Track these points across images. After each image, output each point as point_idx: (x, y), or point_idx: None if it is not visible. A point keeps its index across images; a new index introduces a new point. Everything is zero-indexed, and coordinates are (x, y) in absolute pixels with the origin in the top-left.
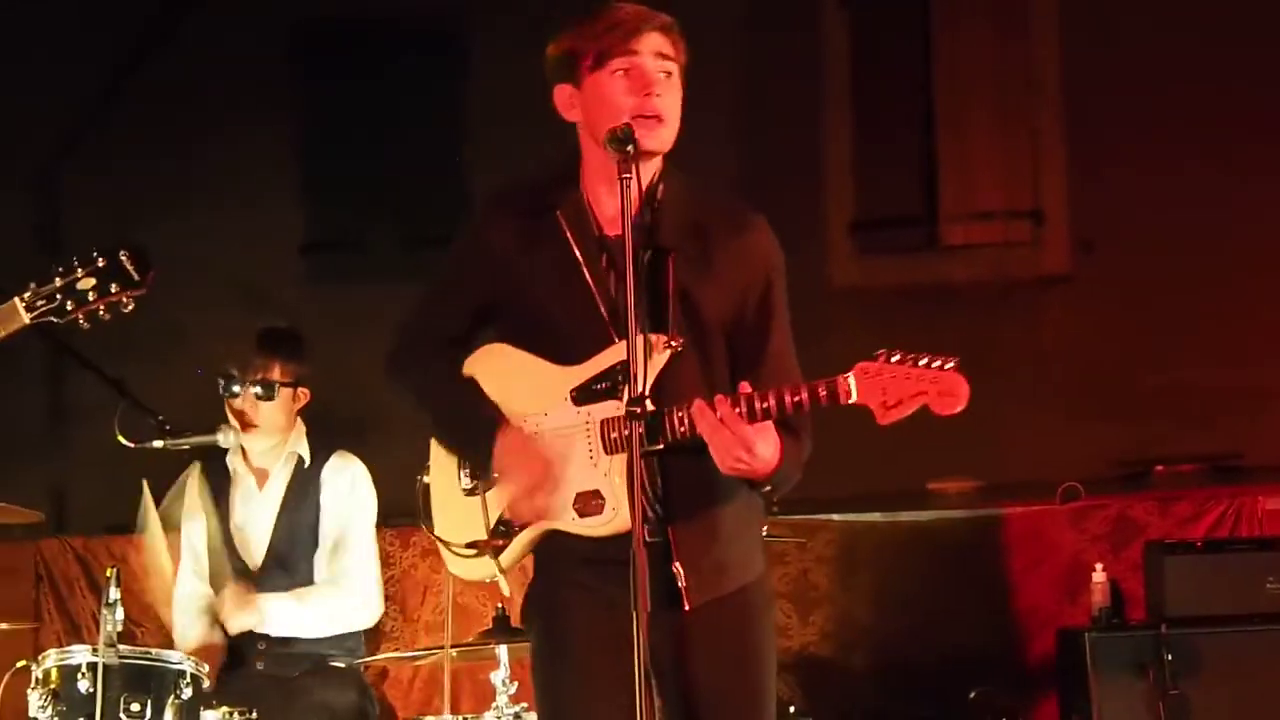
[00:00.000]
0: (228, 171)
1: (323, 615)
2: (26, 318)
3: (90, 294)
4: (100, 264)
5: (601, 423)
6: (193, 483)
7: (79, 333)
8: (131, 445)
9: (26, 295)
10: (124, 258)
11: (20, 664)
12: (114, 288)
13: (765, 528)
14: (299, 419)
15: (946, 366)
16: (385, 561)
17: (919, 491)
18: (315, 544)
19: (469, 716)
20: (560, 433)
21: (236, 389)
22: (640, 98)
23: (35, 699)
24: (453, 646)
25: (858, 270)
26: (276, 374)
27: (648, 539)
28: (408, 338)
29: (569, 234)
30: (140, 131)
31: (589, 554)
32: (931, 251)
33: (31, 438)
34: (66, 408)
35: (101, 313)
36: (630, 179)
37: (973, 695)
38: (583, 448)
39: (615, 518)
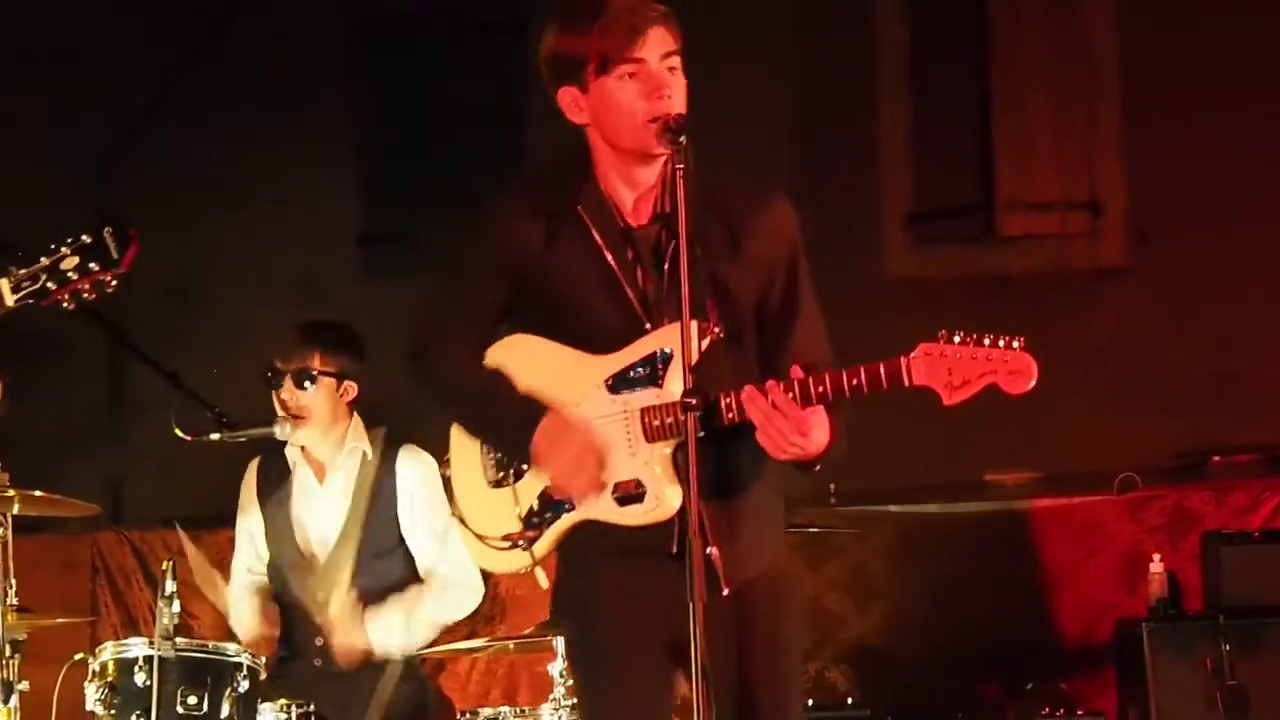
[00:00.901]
0: (284, 165)
1: (428, 621)
2: (11, 300)
3: (71, 274)
4: (85, 242)
5: (641, 411)
6: (249, 477)
7: (138, 326)
8: (188, 439)
9: (11, 278)
10: (106, 235)
11: (77, 657)
12: (94, 267)
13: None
14: (356, 414)
15: (1014, 345)
16: None
17: (977, 482)
18: (396, 538)
19: (526, 708)
20: (596, 422)
21: (279, 380)
22: (653, 101)
23: (92, 692)
24: (510, 639)
25: (914, 261)
26: (316, 363)
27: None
28: (426, 336)
29: (592, 227)
30: (196, 126)
31: (620, 544)
32: (988, 242)
33: (89, 431)
34: (124, 401)
35: (85, 292)
36: (682, 169)
37: (1030, 686)
38: (620, 436)
39: (658, 506)
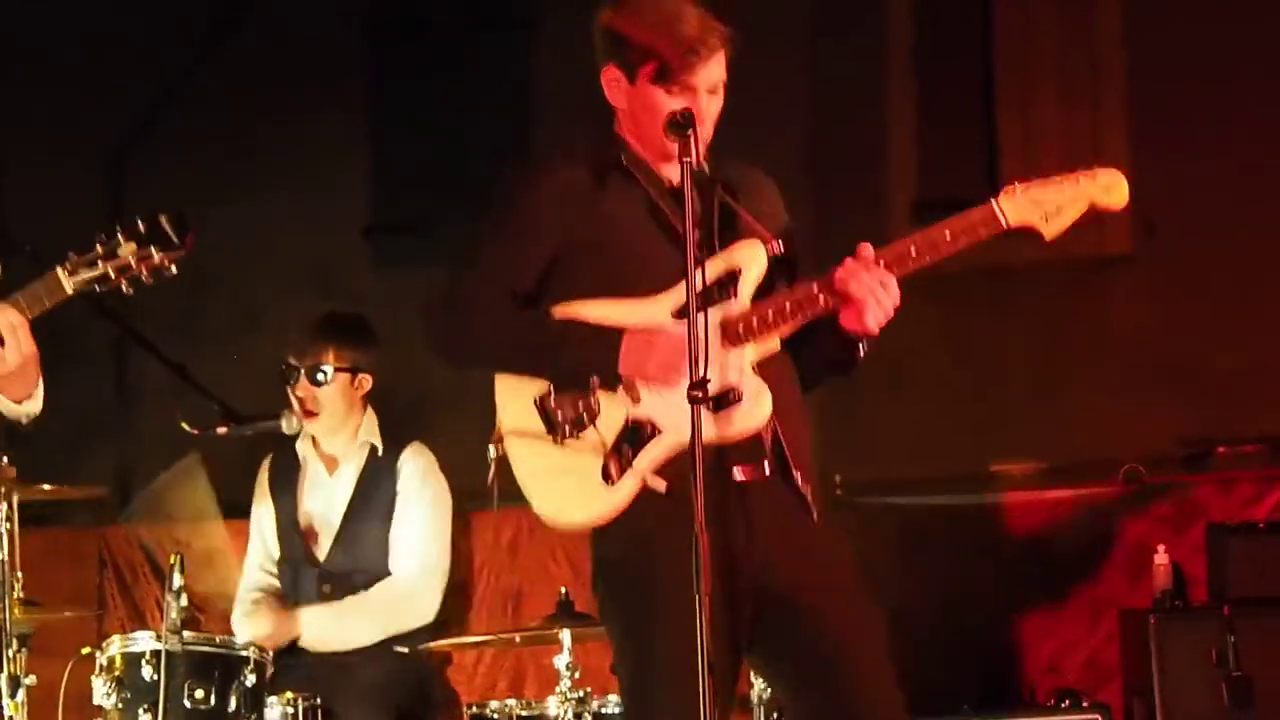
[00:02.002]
0: (295, 155)
1: (363, 624)
2: (69, 286)
3: (131, 258)
4: (141, 229)
5: (721, 322)
6: (262, 473)
7: (147, 316)
8: (195, 432)
9: (68, 264)
10: (164, 221)
11: (85, 651)
12: (154, 250)
13: None
14: (368, 407)
15: (1096, 167)
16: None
17: (982, 474)
18: (384, 533)
19: (533, 701)
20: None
21: (294, 376)
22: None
23: (99, 686)
24: (517, 631)
25: None
26: (331, 359)
27: (767, 471)
28: (466, 285)
29: (639, 177)
30: (208, 118)
31: (713, 465)
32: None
33: (96, 423)
34: (131, 393)
35: (144, 276)
36: (690, 161)
37: (1035, 678)
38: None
39: (755, 404)
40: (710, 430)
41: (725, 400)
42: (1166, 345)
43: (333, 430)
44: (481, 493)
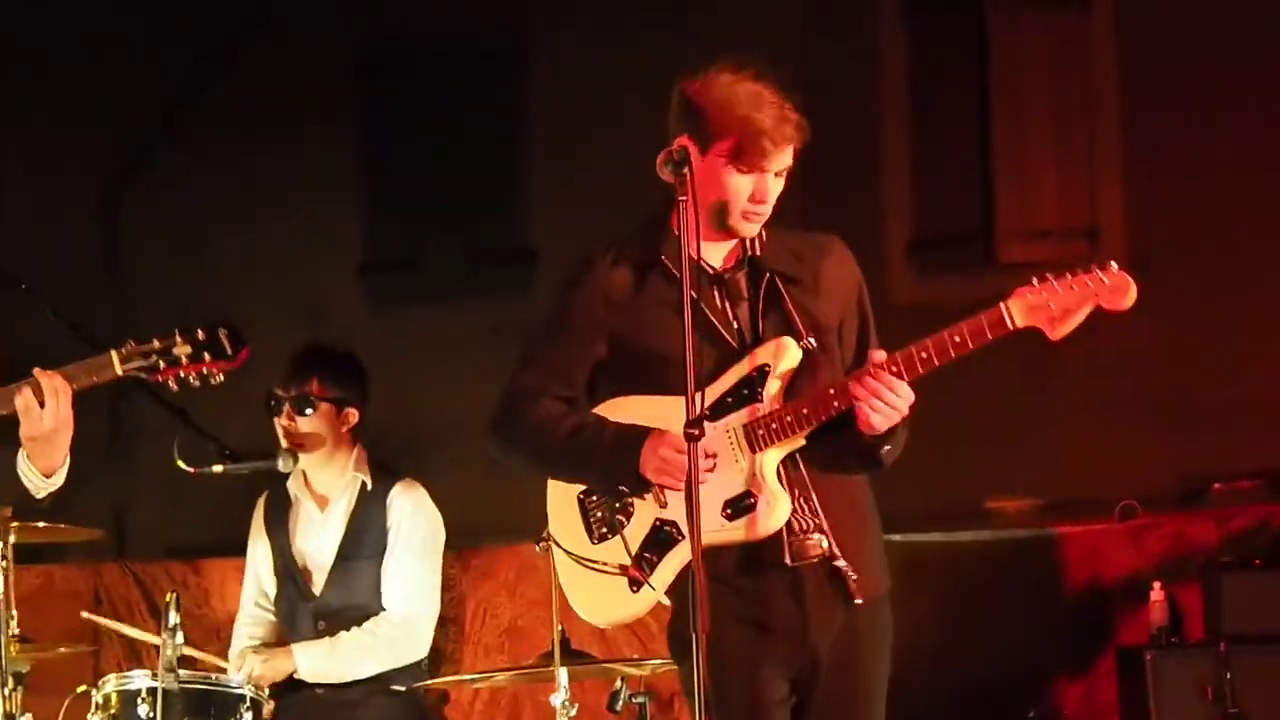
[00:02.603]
0: (288, 192)
1: (358, 659)
2: (119, 369)
3: (183, 358)
4: (199, 336)
5: (745, 425)
6: (257, 511)
7: None
8: (191, 471)
9: (124, 350)
10: (222, 334)
11: (80, 689)
12: (207, 356)
13: None
14: (358, 447)
15: (1109, 266)
16: (444, 584)
17: (978, 510)
18: (375, 569)
19: None
20: (705, 444)
21: (279, 406)
22: (755, 204)
23: None
24: (513, 669)
25: (915, 288)
26: (314, 388)
27: (818, 552)
28: (517, 396)
29: (678, 273)
30: (202, 152)
31: (735, 566)
32: (989, 269)
33: (92, 461)
34: (127, 432)
35: (191, 379)
36: (687, 201)
37: (1031, 714)
38: (726, 456)
39: (770, 511)
40: (729, 535)
41: (741, 505)
42: (1162, 380)
43: (321, 464)
44: (475, 529)
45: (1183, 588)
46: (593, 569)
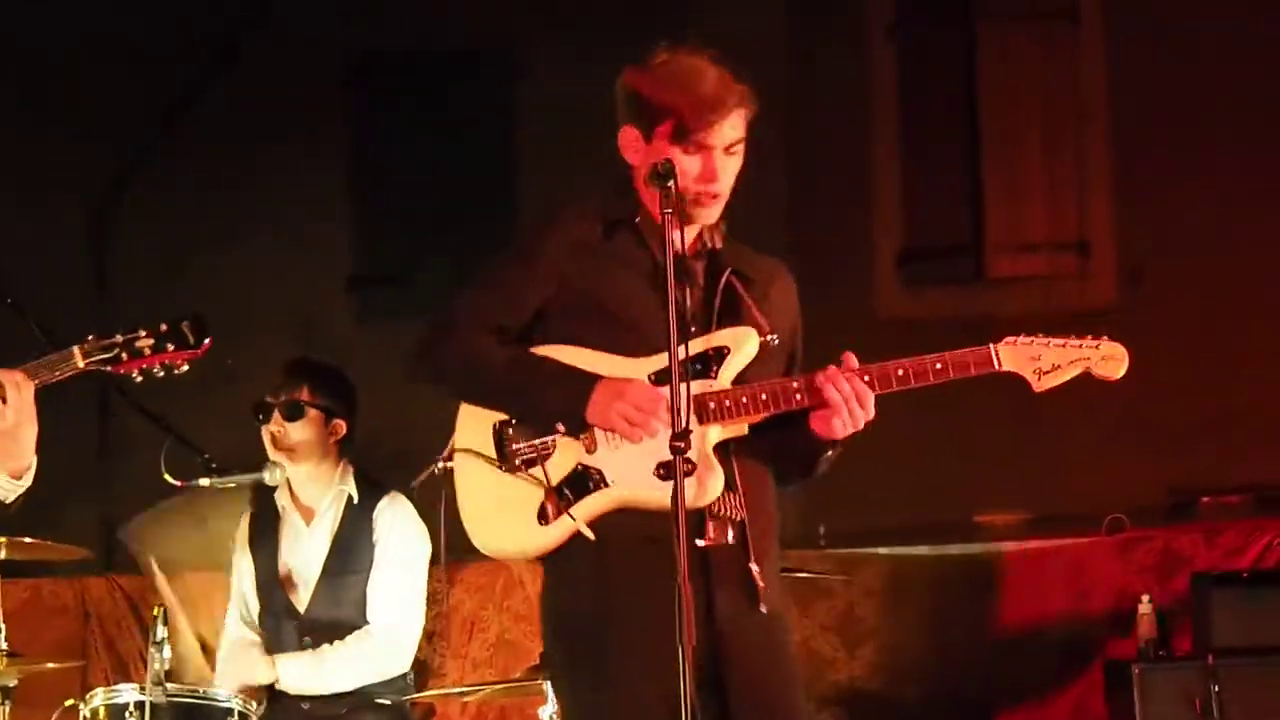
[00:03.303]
0: (278, 207)
1: (342, 672)
2: (81, 362)
3: (146, 350)
4: (162, 329)
5: (695, 397)
6: (241, 528)
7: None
8: (178, 484)
9: (85, 344)
10: (185, 326)
11: (68, 703)
12: (170, 347)
13: None
14: (344, 460)
15: (1104, 339)
16: (432, 598)
17: (966, 524)
18: (361, 582)
19: None
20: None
21: (268, 412)
22: (702, 184)
23: None
24: (501, 683)
25: (904, 302)
26: (304, 395)
27: (729, 539)
28: (457, 312)
29: (650, 241)
30: (191, 168)
31: (652, 531)
32: (978, 283)
33: (80, 475)
34: (115, 445)
35: (155, 370)
36: (672, 214)
37: None
38: (666, 420)
39: (700, 487)
40: (657, 496)
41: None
42: (1150, 396)
43: (308, 477)
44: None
45: (1171, 601)
46: (521, 479)
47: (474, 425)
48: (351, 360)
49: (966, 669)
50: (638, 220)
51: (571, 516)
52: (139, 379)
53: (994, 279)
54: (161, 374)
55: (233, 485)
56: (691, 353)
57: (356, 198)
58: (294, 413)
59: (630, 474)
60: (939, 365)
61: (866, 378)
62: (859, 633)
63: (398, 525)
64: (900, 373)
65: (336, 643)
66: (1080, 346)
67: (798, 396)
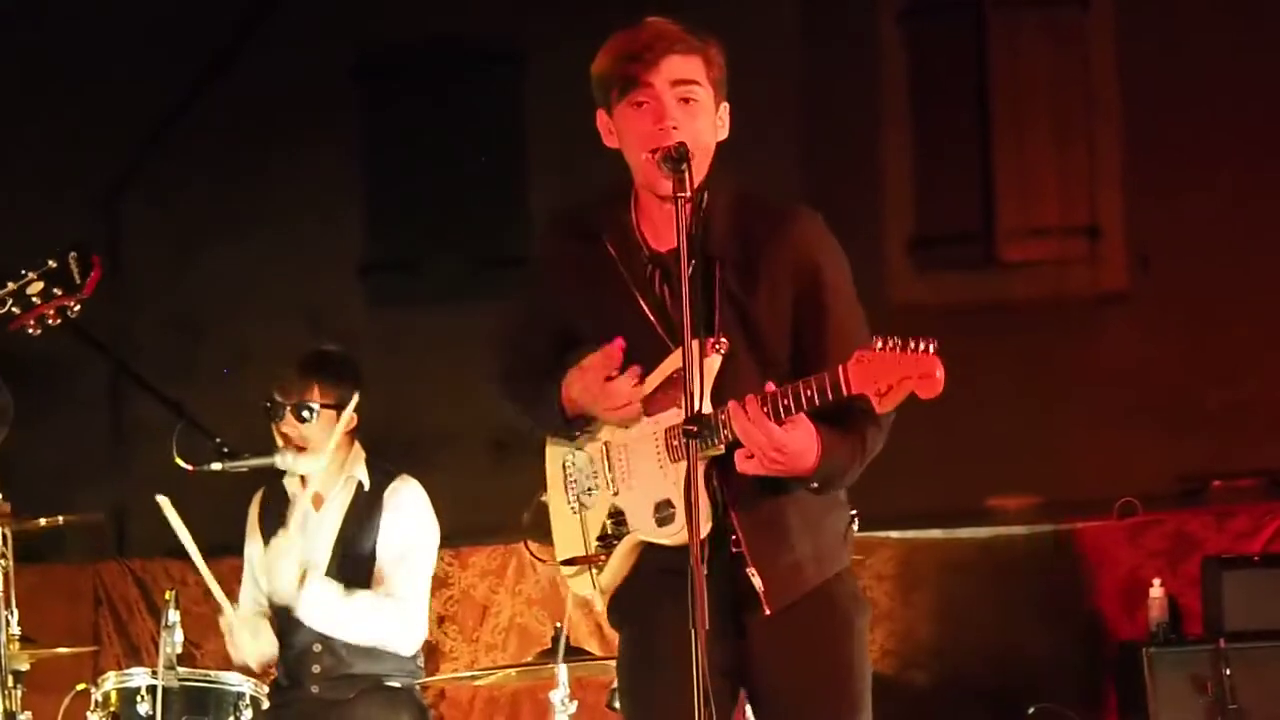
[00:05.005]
0: (288, 196)
1: (362, 620)
2: None
3: (36, 298)
4: (50, 267)
5: (665, 431)
6: (252, 510)
7: (143, 355)
8: (190, 468)
9: None
10: (71, 260)
11: (80, 687)
12: (58, 292)
13: (854, 521)
14: (357, 443)
15: (925, 349)
16: (444, 582)
17: (979, 508)
18: (369, 566)
19: None
20: (639, 442)
21: (280, 413)
22: (654, 130)
23: None
24: (512, 666)
25: (916, 287)
26: (315, 396)
27: (730, 551)
28: (509, 358)
29: (617, 259)
30: (201, 157)
31: (666, 563)
32: (989, 269)
33: (92, 460)
34: (127, 430)
35: (50, 318)
36: (685, 198)
37: (1032, 711)
38: (653, 456)
39: (681, 530)
40: (660, 539)
41: (663, 516)
42: (1162, 380)
43: (320, 466)
44: (475, 528)
45: (1182, 584)
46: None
47: (554, 460)
48: (362, 348)
49: (978, 653)
50: (605, 237)
51: (599, 567)
52: (38, 331)
53: (1005, 264)
54: (58, 321)
55: (245, 470)
56: (662, 378)
57: (367, 186)
58: (305, 413)
59: (638, 516)
60: (809, 391)
61: (765, 407)
62: (871, 617)
63: (406, 507)
64: (785, 401)
65: (368, 592)
66: (902, 364)
67: (726, 431)
